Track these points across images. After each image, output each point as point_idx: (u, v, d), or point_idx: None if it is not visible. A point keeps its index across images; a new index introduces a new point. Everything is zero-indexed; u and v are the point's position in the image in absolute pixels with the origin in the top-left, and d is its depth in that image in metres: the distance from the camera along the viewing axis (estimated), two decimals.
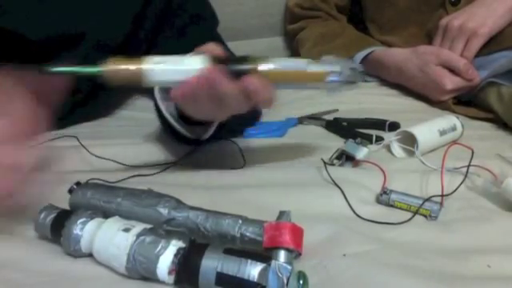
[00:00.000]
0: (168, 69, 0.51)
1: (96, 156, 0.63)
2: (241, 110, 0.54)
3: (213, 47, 0.54)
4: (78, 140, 0.66)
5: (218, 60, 0.52)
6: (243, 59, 0.53)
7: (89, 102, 0.79)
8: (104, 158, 0.63)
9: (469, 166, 0.62)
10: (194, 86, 0.50)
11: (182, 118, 0.62)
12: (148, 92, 0.92)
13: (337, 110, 0.87)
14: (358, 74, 0.57)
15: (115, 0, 0.74)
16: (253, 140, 0.73)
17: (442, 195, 0.58)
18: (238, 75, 0.51)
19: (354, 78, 0.57)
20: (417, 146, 0.69)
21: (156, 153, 0.68)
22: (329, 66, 0.56)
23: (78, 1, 0.72)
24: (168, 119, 0.62)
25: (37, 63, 0.71)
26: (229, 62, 0.52)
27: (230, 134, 0.69)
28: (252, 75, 0.51)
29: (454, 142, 0.71)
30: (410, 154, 0.71)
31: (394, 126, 0.80)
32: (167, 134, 0.70)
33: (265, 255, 0.41)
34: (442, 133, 0.73)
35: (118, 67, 0.49)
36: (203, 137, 0.63)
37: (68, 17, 0.71)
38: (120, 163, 0.62)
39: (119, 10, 0.75)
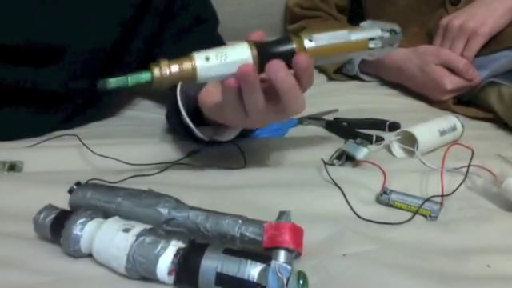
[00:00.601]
0: (220, 63, 0.49)
1: (96, 154, 0.63)
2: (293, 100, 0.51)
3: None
4: (79, 139, 0.66)
5: (259, 44, 0.51)
6: (285, 40, 0.51)
7: (87, 109, 0.79)
8: (104, 156, 0.63)
9: (469, 166, 0.62)
10: (251, 71, 0.49)
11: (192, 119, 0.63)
12: (150, 93, 0.92)
13: (337, 110, 0.87)
14: (398, 35, 0.55)
15: (99, 9, 0.74)
16: (253, 140, 0.73)
17: (442, 195, 0.58)
18: (283, 57, 0.50)
19: (393, 40, 0.55)
20: (417, 146, 0.69)
21: (156, 153, 0.68)
22: (370, 32, 0.54)
23: (61, 11, 0.72)
24: (186, 121, 0.62)
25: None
26: (271, 44, 0.51)
27: (241, 136, 0.67)
28: (299, 54, 0.50)
29: (454, 142, 0.71)
30: (410, 154, 0.71)
31: (394, 126, 0.80)
32: (177, 133, 0.70)
33: (265, 255, 0.41)
34: (442, 133, 0.73)
35: (170, 69, 0.48)
36: (224, 138, 0.63)
37: (51, 26, 0.71)
38: (120, 161, 0.62)
39: (103, 19, 0.74)
